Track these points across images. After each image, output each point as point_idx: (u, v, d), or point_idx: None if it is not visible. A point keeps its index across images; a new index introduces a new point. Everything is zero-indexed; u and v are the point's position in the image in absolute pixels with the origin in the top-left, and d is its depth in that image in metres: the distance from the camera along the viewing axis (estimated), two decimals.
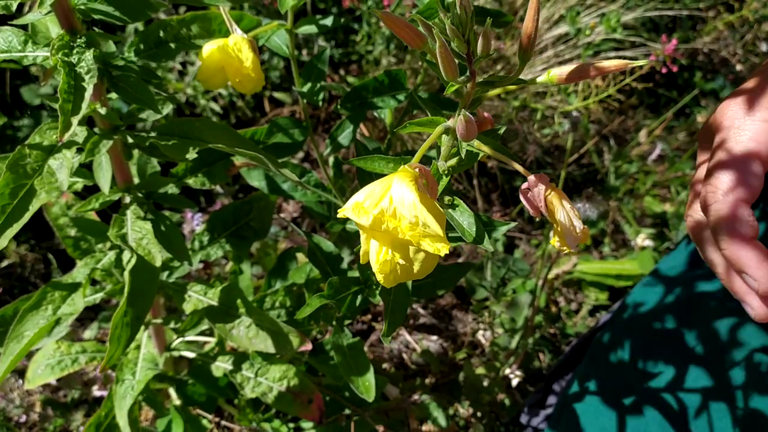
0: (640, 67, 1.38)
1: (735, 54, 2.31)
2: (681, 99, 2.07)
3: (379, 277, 0.49)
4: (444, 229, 0.47)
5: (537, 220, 1.82)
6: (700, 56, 2.39)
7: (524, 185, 0.57)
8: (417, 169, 0.50)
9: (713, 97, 2.31)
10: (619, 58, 1.68)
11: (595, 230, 1.74)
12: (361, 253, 0.50)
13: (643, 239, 1.56)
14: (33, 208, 0.63)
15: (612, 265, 1.57)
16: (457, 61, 0.50)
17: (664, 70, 1.27)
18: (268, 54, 1.94)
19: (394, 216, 0.46)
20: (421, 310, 1.59)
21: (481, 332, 1.48)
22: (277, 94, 1.98)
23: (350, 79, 1.99)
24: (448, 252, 0.47)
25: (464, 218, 0.61)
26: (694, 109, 2.24)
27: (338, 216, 0.47)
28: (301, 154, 1.94)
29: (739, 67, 2.26)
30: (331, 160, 1.07)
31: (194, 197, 1.68)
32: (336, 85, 1.02)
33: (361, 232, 0.50)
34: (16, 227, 0.62)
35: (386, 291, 0.73)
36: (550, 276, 1.59)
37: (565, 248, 0.57)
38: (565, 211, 0.55)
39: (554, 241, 0.58)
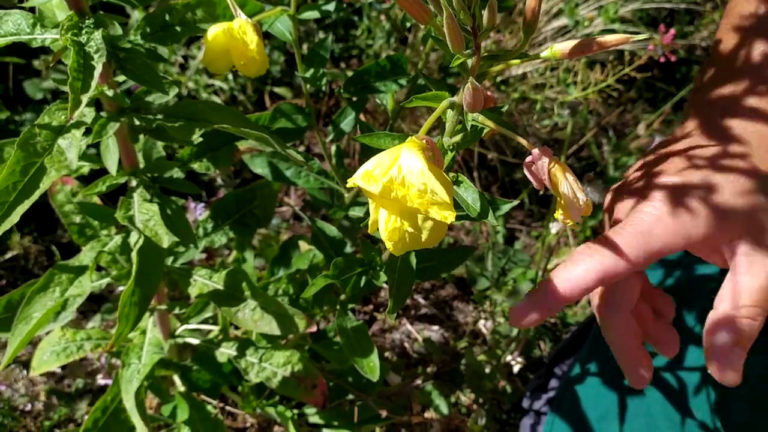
0: (639, 56, 1.40)
1: None
2: (679, 93, 2.08)
3: (389, 245, 0.50)
4: (451, 197, 0.48)
5: (536, 210, 1.84)
6: (698, 51, 2.41)
7: (528, 158, 0.58)
8: (424, 141, 0.51)
9: None
10: (617, 50, 1.69)
11: (595, 221, 1.75)
12: (369, 222, 0.51)
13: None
14: (43, 185, 0.64)
15: None
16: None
17: (662, 60, 1.28)
18: (269, 48, 1.95)
19: (402, 184, 0.47)
20: (422, 301, 1.60)
21: (482, 321, 1.49)
22: (278, 89, 1.99)
23: (350, 74, 2.00)
24: (454, 220, 0.48)
25: (468, 194, 0.62)
26: None
27: (348, 185, 0.48)
28: (302, 149, 1.96)
29: None
30: (333, 148, 1.08)
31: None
32: (338, 72, 1.03)
33: (369, 201, 0.51)
34: (27, 204, 0.63)
35: (391, 269, 0.74)
36: (550, 266, 1.60)
37: (568, 221, 0.58)
38: (568, 184, 0.56)
39: (558, 214, 0.59)
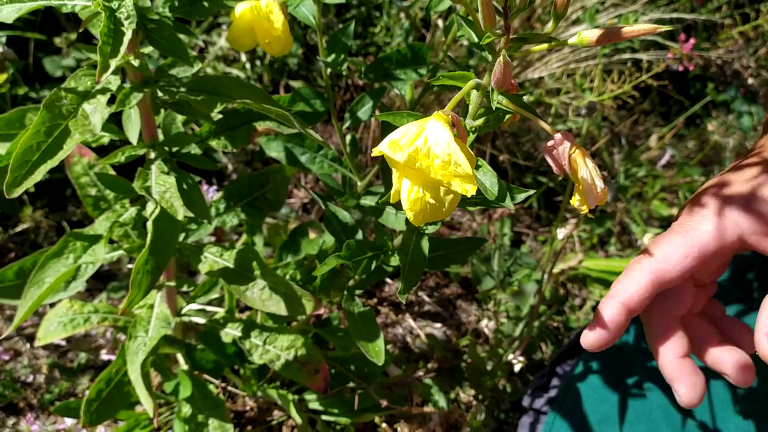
0: (657, 65, 1.40)
1: (748, 67, 2.33)
2: (692, 108, 2.09)
3: (409, 215, 0.50)
4: (474, 171, 0.48)
5: (544, 215, 1.84)
6: (713, 67, 2.41)
7: (549, 143, 0.58)
8: (450, 116, 0.51)
9: (724, 109, 2.34)
10: (634, 59, 1.70)
11: (602, 230, 1.75)
12: (392, 192, 0.52)
13: (650, 238, 1.57)
14: (67, 147, 0.65)
15: (617, 263, 1.58)
16: None
17: (680, 68, 1.29)
18: None
19: (427, 155, 0.48)
20: (426, 298, 1.61)
21: (485, 321, 1.50)
22: (293, 82, 2.00)
23: None
24: (474, 193, 0.48)
25: (487, 178, 0.63)
26: (705, 120, 2.26)
27: (373, 154, 0.48)
28: None
29: (750, 81, 2.28)
30: (348, 137, 1.09)
31: (209, 175, 1.70)
32: (359, 60, 1.03)
33: (393, 171, 0.51)
34: (50, 164, 0.64)
35: (404, 252, 0.74)
36: (556, 270, 1.61)
37: (584, 207, 0.59)
38: (588, 170, 0.57)
39: (574, 200, 0.59)
